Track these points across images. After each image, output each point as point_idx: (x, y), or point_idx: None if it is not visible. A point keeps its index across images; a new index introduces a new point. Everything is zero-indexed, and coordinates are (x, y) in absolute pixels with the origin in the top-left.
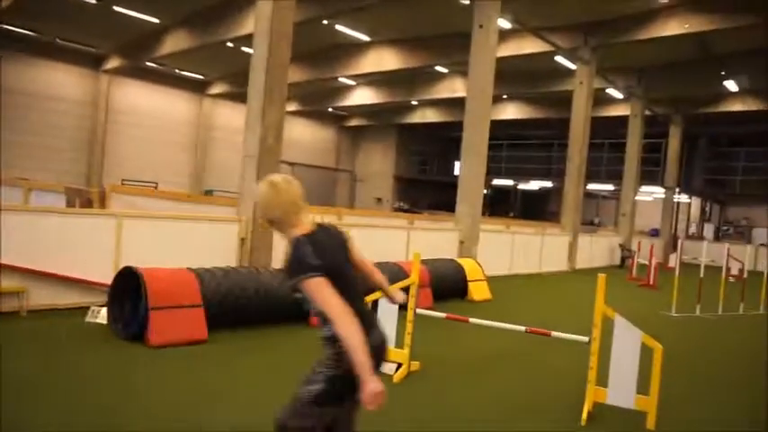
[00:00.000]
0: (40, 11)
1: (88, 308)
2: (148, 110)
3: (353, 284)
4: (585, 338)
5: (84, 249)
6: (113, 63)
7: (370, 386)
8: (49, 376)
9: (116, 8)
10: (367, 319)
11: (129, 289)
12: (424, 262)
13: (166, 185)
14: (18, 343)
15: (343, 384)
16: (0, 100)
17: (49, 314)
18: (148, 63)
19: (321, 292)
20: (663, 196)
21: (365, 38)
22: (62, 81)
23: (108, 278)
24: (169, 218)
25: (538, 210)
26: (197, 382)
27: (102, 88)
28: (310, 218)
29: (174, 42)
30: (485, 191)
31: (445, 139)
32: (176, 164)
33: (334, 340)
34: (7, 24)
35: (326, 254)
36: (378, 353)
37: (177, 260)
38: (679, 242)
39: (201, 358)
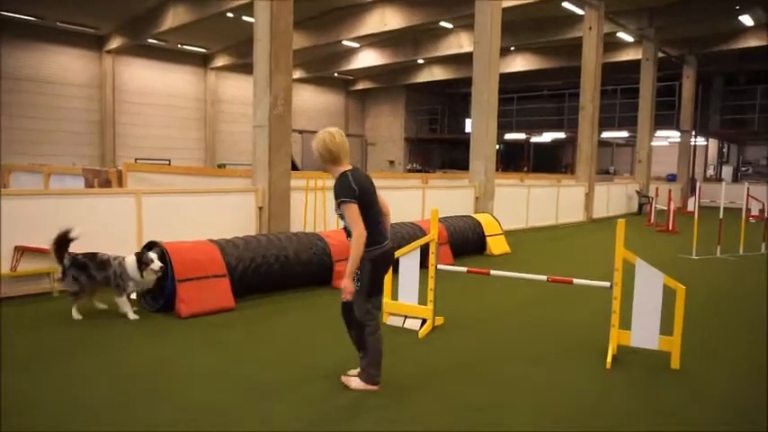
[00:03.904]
0: None
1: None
2: (155, 87)
3: (378, 206)
4: (607, 284)
5: (108, 228)
6: (115, 43)
7: (347, 282)
8: (84, 347)
9: None
10: (385, 231)
11: None
12: (441, 220)
13: (179, 162)
14: (53, 321)
15: (370, 280)
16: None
17: None
18: (150, 40)
19: (352, 213)
20: (679, 140)
21: None
22: (67, 65)
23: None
24: (186, 192)
25: (551, 162)
26: (232, 347)
27: (107, 69)
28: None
29: (174, 17)
30: (497, 146)
31: (454, 97)
32: (187, 140)
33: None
34: (8, 11)
35: (361, 183)
36: (390, 254)
37: (197, 233)
38: (697, 185)
39: (232, 325)
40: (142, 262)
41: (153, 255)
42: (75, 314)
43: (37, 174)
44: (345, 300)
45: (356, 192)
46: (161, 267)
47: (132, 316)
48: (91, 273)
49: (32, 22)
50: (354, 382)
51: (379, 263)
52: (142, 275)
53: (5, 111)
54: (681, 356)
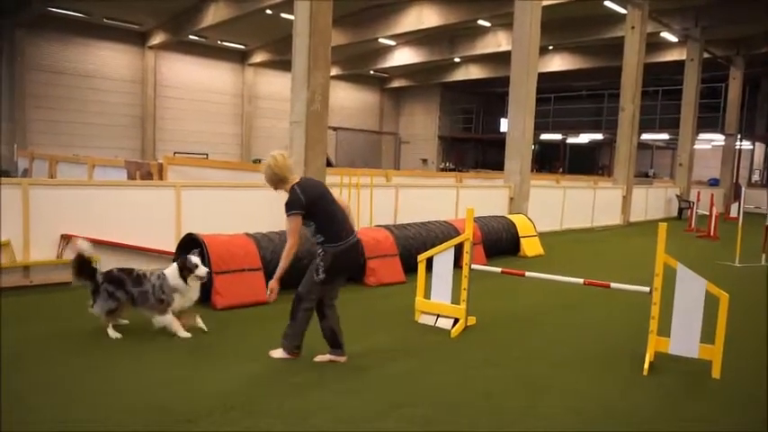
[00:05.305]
0: None
1: None
2: (194, 83)
3: (335, 205)
4: (646, 288)
5: (148, 219)
6: (158, 39)
7: (274, 283)
8: (126, 334)
9: None
10: (346, 226)
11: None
12: (475, 219)
13: (216, 156)
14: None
15: (327, 272)
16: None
17: None
18: (191, 36)
19: (293, 225)
20: (723, 144)
21: None
22: (111, 60)
23: (171, 246)
24: (224, 186)
25: (587, 164)
26: (263, 341)
27: (148, 64)
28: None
29: (215, 13)
30: (532, 146)
31: (490, 96)
32: (224, 135)
33: (320, 245)
34: (58, 8)
35: (310, 191)
36: (354, 249)
37: (234, 226)
38: (742, 191)
39: (265, 319)
40: (186, 268)
41: (196, 258)
42: (113, 333)
43: (81, 165)
44: (269, 300)
45: (303, 202)
46: (207, 272)
47: (183, 334)
48: (128, 288)
49: (80, 18)
50: (277, 352)
51: (341, 257)
52: (186, 282)
53: (53, 104)
54: (721, 366)
